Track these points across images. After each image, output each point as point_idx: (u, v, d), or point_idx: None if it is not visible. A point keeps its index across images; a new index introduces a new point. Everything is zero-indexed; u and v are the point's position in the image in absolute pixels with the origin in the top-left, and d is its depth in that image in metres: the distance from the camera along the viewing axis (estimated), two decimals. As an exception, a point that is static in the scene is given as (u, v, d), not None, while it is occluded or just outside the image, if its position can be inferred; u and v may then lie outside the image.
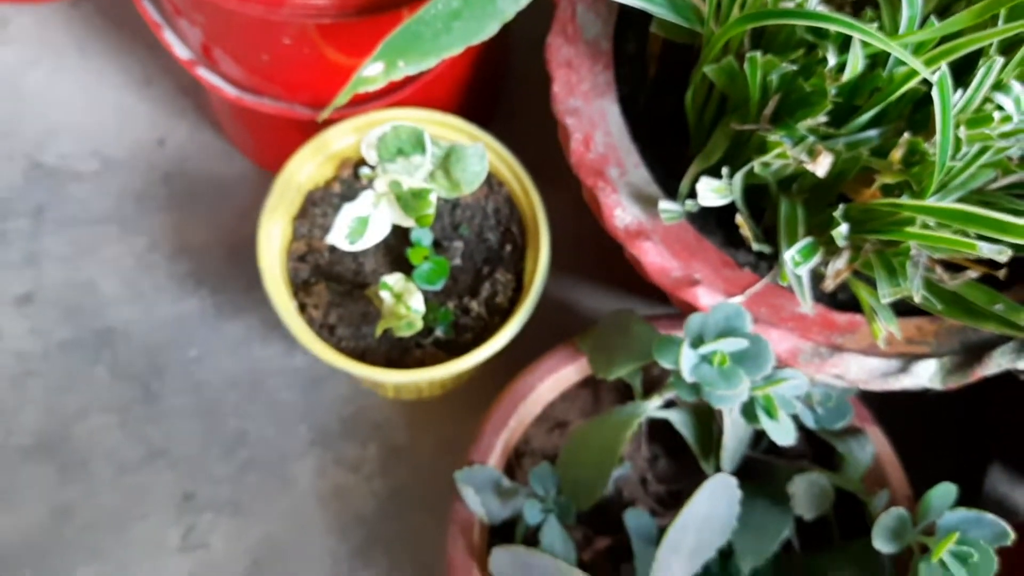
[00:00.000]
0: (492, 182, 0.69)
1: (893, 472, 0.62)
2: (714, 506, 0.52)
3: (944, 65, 0.42)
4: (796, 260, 0.50)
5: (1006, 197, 0.51)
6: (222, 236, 0.81)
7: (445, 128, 0.66)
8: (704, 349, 0.50)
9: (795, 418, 0.61)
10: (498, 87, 0.85)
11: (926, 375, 0.56)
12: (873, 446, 0.61)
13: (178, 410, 0.77)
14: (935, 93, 0.42)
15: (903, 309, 0.56)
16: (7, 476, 0.74)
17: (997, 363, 0.57)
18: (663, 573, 0.51)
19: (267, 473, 0.76)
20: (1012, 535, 0.51)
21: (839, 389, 0.61)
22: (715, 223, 0.60)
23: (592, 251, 0.79)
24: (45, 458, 0.75)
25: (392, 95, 0.68)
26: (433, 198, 0.56)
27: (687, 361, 0.50)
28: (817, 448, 0.65)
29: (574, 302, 0.81)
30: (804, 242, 0.51)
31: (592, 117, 0.60)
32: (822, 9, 0.46)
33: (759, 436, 0.65)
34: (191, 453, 0.76)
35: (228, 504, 0.75)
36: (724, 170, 0.52)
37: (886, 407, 0.65)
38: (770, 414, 0.53)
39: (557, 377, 0.64)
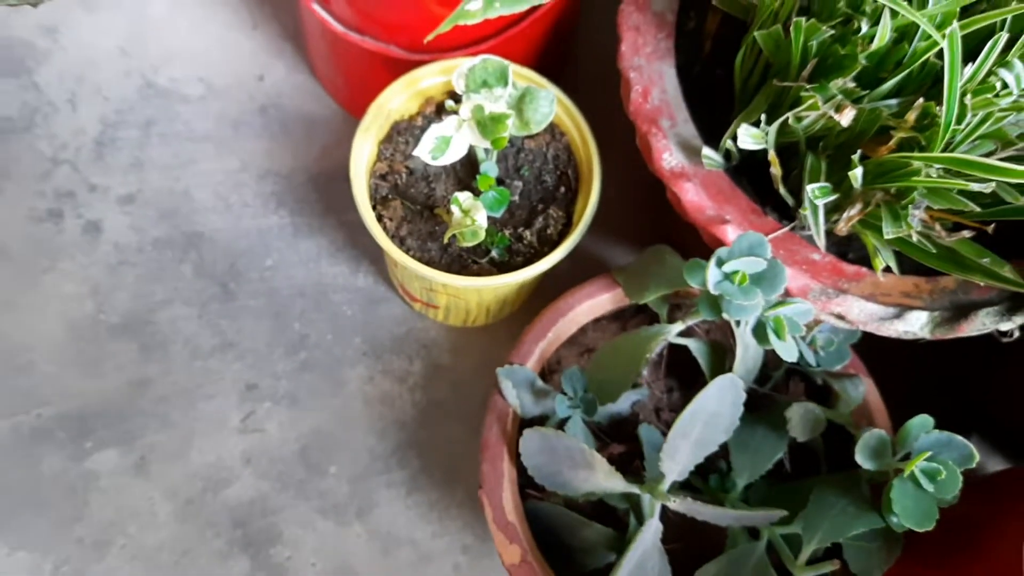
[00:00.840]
0: (555, 131, 0.78)
1: (879, 415, 0.70)
2: (721, 403, 0.60)
3: (956, 24, 0.51)
4: (815, 194, 0.58)
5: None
6: (306, 166, 0.91)
7: (521, 78, 0.76)
8: (728, 267, 0.59)
9: (797, 362, 0.70)
10: (568, 49, 0.94)
11: (917, 324, 0.64)
12: (865, 387, 0.69)
13: (250, 310, 0.86)
14: (945, 47, 0.50)
15: (905, 268, 0.64)
16: (96, 348, 0.84)
17: (982, 322, 0.65)
18: (671, 454, 0.59)
19: (322, 374, 0.85)
20: (976, 457, 0.59)
21: (841, 335, 0.69)
22: (747, 182, 0.69)
23: (633, 210, 0.88)
24: (130, 337, 0.85)
25: (477, 46, 0.77)
26: (510, 123, 0.66)
27: (713, 277, 0.59)
28: (814, 396, 0.73)
29: (612, 258, 0.90)
30: (823, 184, 0.59)
31: (652, 75, 0.69)
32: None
33: (764, 379, 0.73)
34: (258, 348, 0.85)
35: (285, 397, 0.84)
36: (762, 117, 0.61)
37: (879, 382, 0.73)
38: (779, 334, 0.61)
39: (593, 303, 0.73)
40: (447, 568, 0.80)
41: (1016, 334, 0.65)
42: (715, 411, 0.60)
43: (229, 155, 0.91)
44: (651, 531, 0.61)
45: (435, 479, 0.83)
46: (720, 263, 0.59)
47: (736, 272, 0.59)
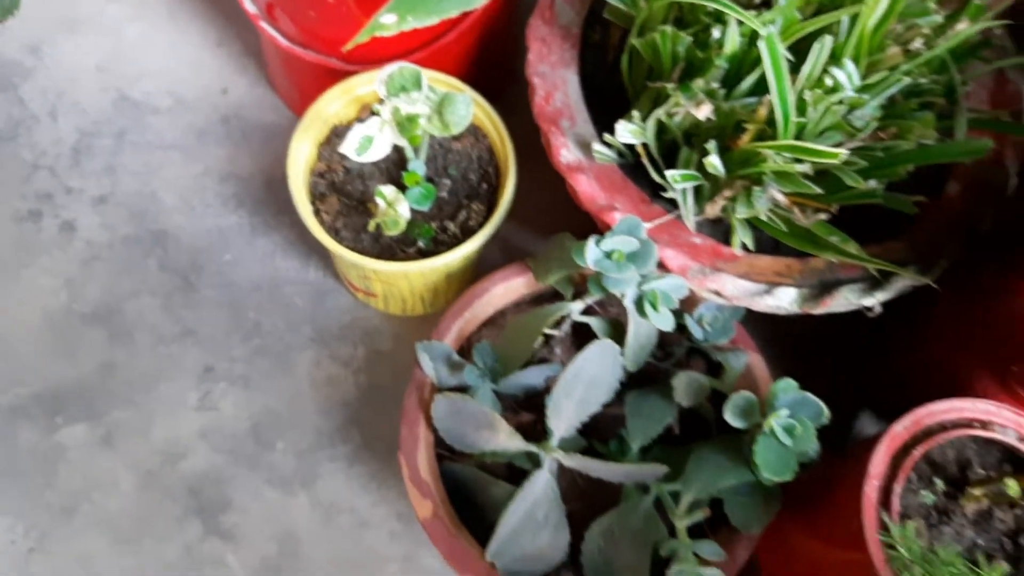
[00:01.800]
0: (478, 134, 0.86)
1: (763, 384, 0.77)
2: (601, 366, 0.68)
3: (774, 26, 0.59)
4: (676, 179, 0.66)
5: (853, 156, 0.66)
6: (263, 170, 1.00)
7: (441, 84, 0.84)
8: (605, 246, 0.67)
9: (686, 337, 0.77)
10: (512, 68, 1.01)
11: (786, 299, 0.72)
12: (748, 359, 0.76)
13: (209, 300, 0.95)
14: (763, 48, 0.58)
15: (774, 249, 0.72)
16: (69, 334, 0.92)
17: (845, 298, 0.72)
18: (556, 412, 0.67)
19: (274, 359, 0.93)
20: (827, 414, 0.66)
21: (727, 312, 0.77)
22: (641, 178, 0.76)
23: (562, 206, 0.96)
24: (100, 325, 0.93)
25: (409, 56, 0.86)
26: (423, 121, 0.74)
27: (592, 255, 0.67)
28: (712, 371, 0.80)
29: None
30: (686, 171, 0.67)
31: (555, 81, 0.78)
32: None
33: (667, 356, 0.80)
34: (215, 335, 0.93)
35: (239, 379, 0.92)
36: (635, 114, 0.69)
37: (771, 359, 0.80)
38: (654, 306, 0.69)
39: (507, 286, 0.80)
40: (383, 534, 0.87)
41: (879, 309, 0.72)
42: (596, 373, 0.68)
43: (194, 161, 1.00)
44: (540, 481, 0.68)
45: (375, 453, 0.90)
46: (598, 243, 0.67)
47: (614, 251, 0.67)
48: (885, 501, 0.63)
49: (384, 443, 0.90)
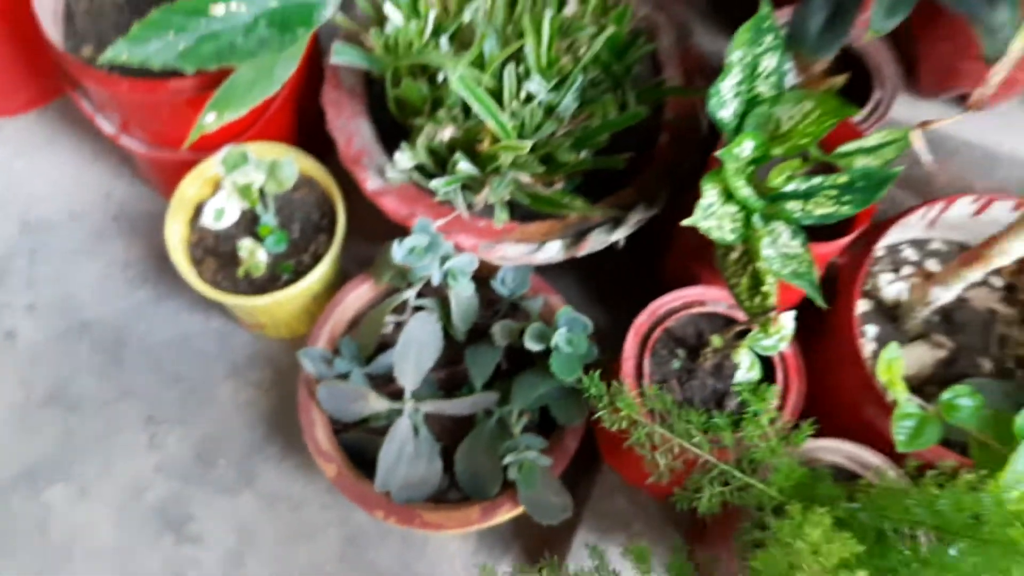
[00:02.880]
0: (311, 183, 1.10)
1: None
2: (424, 332, 0.92)
3: (463, 67, 0.83)
4: (441, 185, 0.91)
5: (562, 144, 0.91)
6: (155, 250, 1.22)
7: (273, 153, 1.07)
8: (407, 244, 0.91)
9: (491, 289, 1.01)
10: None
11: (554, 250, 0.97)
12: (543, 301, 1.01)
13: (137, 364, 1.17)
14: (459, 85, 0.83)
15: (542, 216, 0.97)
16: (32, 419, 1.14)
17: (595, 239, 0.97)
18: (402, 373, 0.91)
19: (200, 396, 1.15)
20: (589, 327, 0.91)
21: (521, 271, 1.01)
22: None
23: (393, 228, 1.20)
24: (54, 405, 1.15)
25: (242, 136, 1.09)
26: (256, 187, 0.97)
27: (398, 253, 0.91)
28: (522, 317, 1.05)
29: (393, 260, 1.21)
30: (450, 177, 0.91)
31: (351, 130, 1.02)
32: (446, 51, 0.87)
33: (494, 314, 1.04)
34: (149, 389, 1.16)
35: (176, 418, 1.14)
36: (406, 144, 0.93)
37: (588, 294, 1.05)
38: (455, 278, 0.93)
39: (357, 293, 1.04)
40: (317, 507, 1.11)
41: (622, 243, 0.98)
42: (422, 338, 0.92)
43: (98, 258, 1.22)
44: (402, 426, 0.92)
45: (297, 449, 1.13)
46: (401, 243, 0.91)
47: (414, 247, 0.91)
48: (639, 373, 0.88)
49: (302, 440, 1.13)
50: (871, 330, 1.02)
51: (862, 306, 1.04)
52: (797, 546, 0.54)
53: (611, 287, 1.14)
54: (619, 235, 0.97)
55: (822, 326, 0.99)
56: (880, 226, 1.00)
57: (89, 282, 1.21)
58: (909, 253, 1.07)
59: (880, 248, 1.06)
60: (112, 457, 1.12)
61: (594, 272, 1.15)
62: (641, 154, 1.00)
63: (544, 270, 1.07)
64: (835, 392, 0.98)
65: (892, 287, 1.03)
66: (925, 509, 0.69)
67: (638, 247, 1.03)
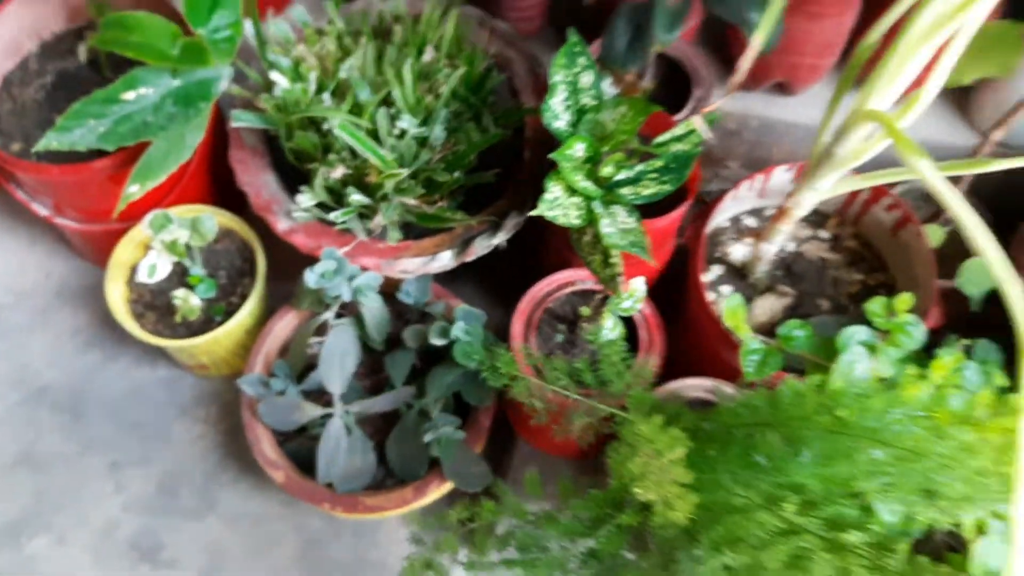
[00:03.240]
0: (232, 234, 1.25)
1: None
2: (344, 342, 1.07)
3: (341, 116, 1.00)
4: (339, 216, 1.07)
5: (437, 168, 1.08)
6: (98, 314, 1.35)
7: (193, 212, 1.22)
8: (318, 270, 1.06)
9: (400, 302, 1.17)
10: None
11: (446, 259, 1.13)
12: (444, 305, 1.17)
13: (95, 419, 1.30)
14: (340, 131, 0.99)
15: (433, 231, 1.13)
16: (4, 483, 1.25)
17: (480, 245, 1.14)
18: (328, 380, 1.06)
19: (156, 438, 1.29)
20: (484, 316, 1.07)
21: (423, 281, 1.17)
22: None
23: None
24: (23, 467, 1.27)
25: (165, 200, 1.23)
26: (182, 242, 1.12)
27: (311, 279, 1.06)
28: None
29: (314, 293, 1.36)
30: (346, 209, 1.07)
31: (259, 183, 1.17)
32: (328, 104, 1.04)
33: (406, 323, 1.20)
34: (109, 440, 1.28)
35: (138, 461, 1.27)
36: (305, 187, 1.09)
37: (489, 293, 1.21)
38: (364, 294, 1.09)
39: (283, 322, 1.19)
40: (275, 518, 1.24)
41: (504, 245, 1.14)
42: (342, 347, 1.07)
43: (46, 330, 1.35)
44: (333, 426, 1.07)
45: (250, 470, 1.27)
46: (312, 270, 1.07)
47: (324, 272, 1.07)
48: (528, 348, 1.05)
49: (253, 460, 1.27)
50: (726, 289, 1.21)
51: (717, 270, 1.23)
52: (636, 439, 0.71)
53: (504, 284, 1.31)
54: (500, 239, 1.14)
55: (685, 291, 1.17)
56: (716, 200, 1.18)
57: (42, 351, 1.33)
58: (750, 221, 1.26)
59: (724, 220, 1.25)
60: (84, 504, 1.25)
61: (489, 274, 1.31)
62: (511, 168, 1.18)
63: (448, 279, 1.24)
64: (699, 342, 1.16)
65: (738, 251, 1.22)
66: (766, 409, 0.86)
67: (522, 246, 1.20)
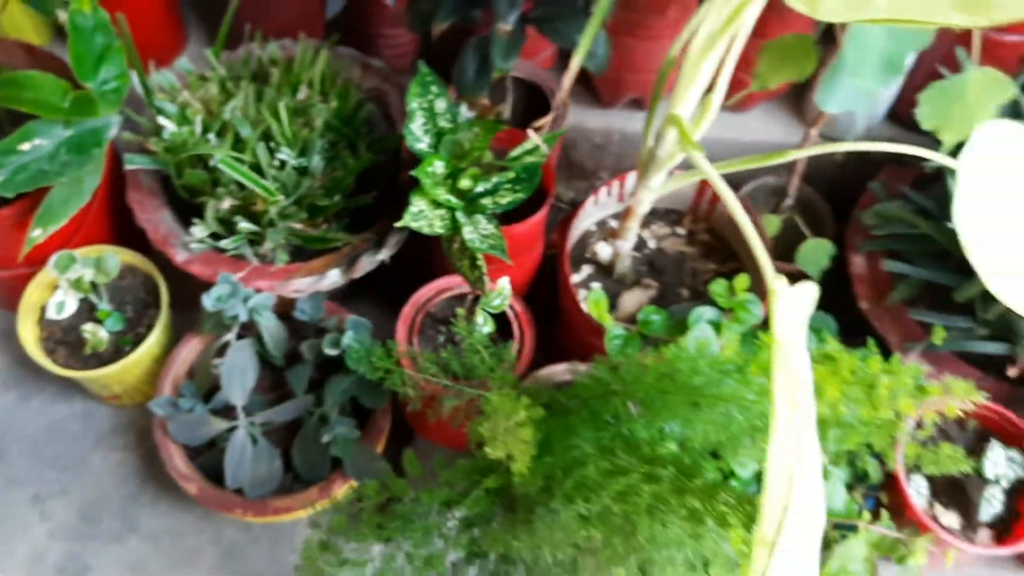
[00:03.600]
0: (135, 270, 1.33)
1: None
2: (243, 358, 1.17)
3: (223, 153, 1.11)
4: (229, 244, 1.17)
5: (317, 194, 1.19)
6: (14, 357, 1.42)
7: (97, 252, 1.30)
8: (214, 294, 1.16)
9: (297, 320, 1.27)
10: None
11: (335, 276, 1.24)
12: (336, 319, 1.27)
13: (16, 456, 1.36)
14: (222, 165, 1.10)
15: (322, 252, 1.24)
16: (-72, 522, 1.31)
17: (366, 262, 1.25)
18: (230, 394, 1.15)
19: (75, 468, 1.36)
20: (370, 325, 1.18)
21: (316, 298, 1.28)
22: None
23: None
24: (-53, 506, 1.33)
25: (70, 242, 1.32)
26: (87, 280, 1.21)
27: (208, 303, 1.16)
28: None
29: (220, 321, 1.46)
30: (235, 237, 1.18)
31: (157, 220, 1.27)
32: (215, 143, 1.14)
33: (303, 338, 1.30)
34: (30, 474, 1.35)
35: (59, 491, 1.34)
36: (197, 220, 1.19)
37: (385, 306, 1.32)
38: (259, 313, 1.18)
39: (189, 347, 1.28)
40: (193, 534, 1.32)
41: (388, 261, 1.25)
42: (241, 363, 1.17)
43: (-37, 376, 1.41)
44: (237, 436, 1.17)
45: (167, 491, 1.35)
46: (208, 295, 1.16)
47: (219, 296, 1.17)
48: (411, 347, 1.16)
49: (169, 479, 1.35)
50: (597, 286, 1.33)
51: (588, 270, 1.36)
52: (490, 410, 0.82)
53: (401, 295, 1.41)
54: (384, 255, 1.25)
55: (559, 289, 1.30)
56: (579, 206, 1.31)
57: (-41, 398, 1.40)
58: (614, 223, 1.39)
59: (592, 224, 1.39)
60: (9, 536, 1.31)
61: (385, 288, 1.41)
62: (391, 189, 1.29)
63: (349, 295, 1.35)
64: (572, 333, 1.28)
65: (604, 251, 1.35)
66: (611, 379, 0.98)
67: (418, 259, 1.31)
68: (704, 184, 1.35)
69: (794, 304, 0.66)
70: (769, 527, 0.57)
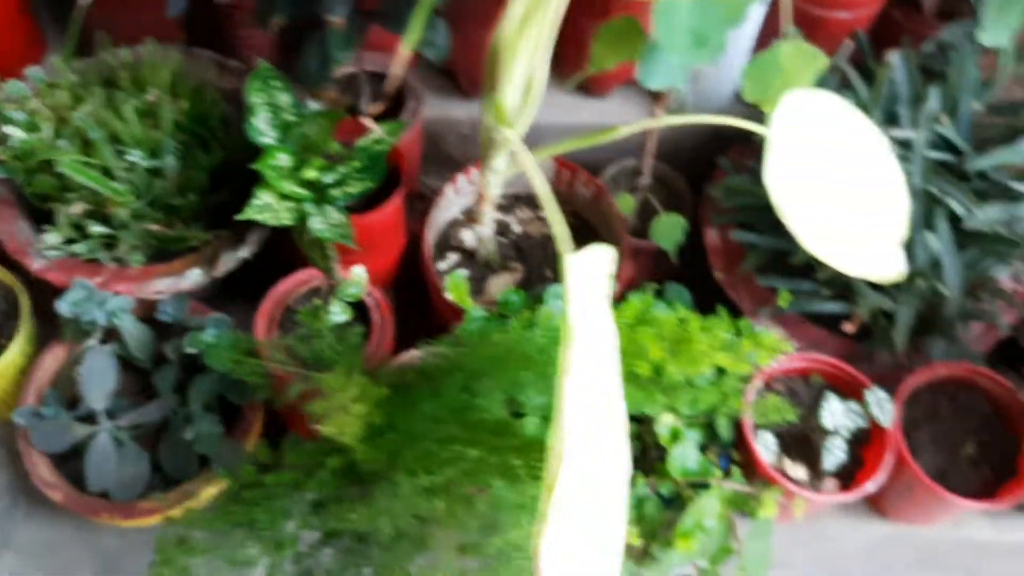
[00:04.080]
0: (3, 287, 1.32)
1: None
2: (101, 363, 1.16)
3: (69, 157, 1.11)
4: (82, 248, 1.17)
5: (171, 193, 1.20)
6: None
7: (-46, 265, 1.29)
8: (68, 299, 1.16)
9: (160, 322, 1.27)
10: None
11: (196, 276, 1.24)
12: (208, 319, 1.28)
13: None
14: (64, 167, 1.10)
15: (182, 252, 1.24)
16: None
17: (227, 259, 1.25)
18: (93, 401, 1.15)
19: (-55, 488, 1.33)
20: (232, 323, 1.19)
21: (179, 299, 1.28)
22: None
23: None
24: None
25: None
26: (-64, 292, 1.19)
27: (63, 308, 1.15)
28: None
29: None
30: (88, 241, 1.17)
31: (11, 230, 1.25)
32: (67, 148, 1.14)
33: (166, 341, 1.30)
34: None
35: (-73, 512, 1.32)
36: (47, 227, 1.18)
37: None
38: (118, 317, 1.18)
39: (53, 355, 1.27)
40: (71, 543, 1.31)
41: (251, 258, 1.26)
42: (99, 366, 1.17)
43: None
44: (99, 440, 1.16)
45: (43, 503, 1.33)
46: (63, 300, 1.16)
47: (74, 302, 1.16)
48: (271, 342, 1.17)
49: (42, 494, 1.34)
50: (464, 272, 1.36)
51: (454, 257, 1.39)
52: (327, 389, 0.84)
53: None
54: (245, 252, 1.26)
55: (422, 277, 1.32)
56: (437, 194, 1.34)
57: None
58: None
59: (457, 212, 1.42)
60: None
61: (256, 287, 1.42)
62: (250, 187, 1.30)
63: (223, 296, 1.35)
64: (437, 318, 1.31)
65: (468, 238, 1.38)
66: (454, 355, 1.01)
67: (284, 257, 1.31)
68: (561, 167, 1.39)
69: (586, 268, 0.69)
70: (552, 475, 0.60)
